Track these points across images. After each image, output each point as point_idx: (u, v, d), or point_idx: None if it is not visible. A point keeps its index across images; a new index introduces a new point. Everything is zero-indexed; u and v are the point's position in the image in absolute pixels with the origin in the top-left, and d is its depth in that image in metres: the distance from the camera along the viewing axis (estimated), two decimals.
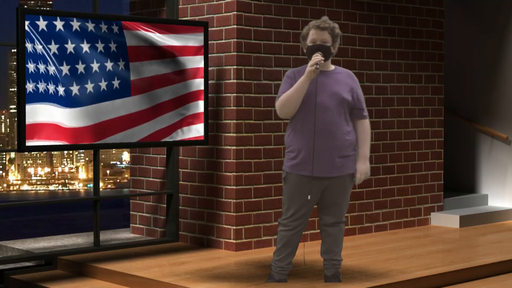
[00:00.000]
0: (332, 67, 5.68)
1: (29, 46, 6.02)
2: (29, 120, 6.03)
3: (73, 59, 6.24)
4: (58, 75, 6.17)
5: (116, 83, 6.45)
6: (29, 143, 6.03)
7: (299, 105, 5.48)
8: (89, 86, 6.32)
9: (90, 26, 6.32)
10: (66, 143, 6.21)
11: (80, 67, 6.28)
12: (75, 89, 6.24)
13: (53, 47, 6.14)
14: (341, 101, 5.53)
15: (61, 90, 6.17)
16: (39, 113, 6.07)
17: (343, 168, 5.58)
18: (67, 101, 6.20)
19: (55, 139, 6.16)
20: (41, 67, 6.08)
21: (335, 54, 5.69)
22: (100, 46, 6.36)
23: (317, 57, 5.42)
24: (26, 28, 6.01)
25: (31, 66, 6.03)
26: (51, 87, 6.13)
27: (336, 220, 5.71)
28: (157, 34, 6.68)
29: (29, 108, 6.03)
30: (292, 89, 5.45)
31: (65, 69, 6.20)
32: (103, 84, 6.38)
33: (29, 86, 6.02)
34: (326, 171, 5.53)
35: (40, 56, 6.08)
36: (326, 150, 5.51)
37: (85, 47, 6.30)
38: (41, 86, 6.08)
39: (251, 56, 7.10)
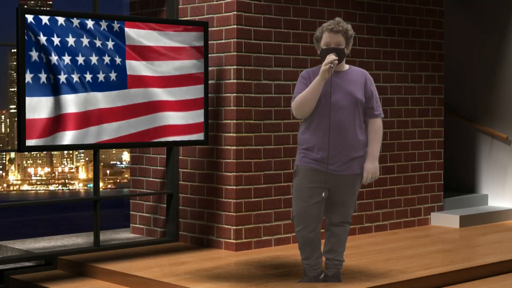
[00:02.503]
0: (346, 67, 5.71)
1: (31, 38, 6.04)
2: (30, 115, 6.05)
3: (74, 52, 6.28)
4: (59, 65, 6.20)
5: (113, 75, 6.47)
6: (29, 142, 6.04)
7: (314, 105, 5.52)
8: (88, 76, 6.34)
9: (90, 23, 6.35)
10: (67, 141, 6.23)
11: (80, 59, 6.31)
12: (75, 77, 6.27)
13: (56, 40, 6.18)
14: (355, 101, 5.57)
15: (63, 78, 6.20)
16: (40, 106, 6.10)
17: (353, 167, 5.60)
18: (66, 89, 6.23)
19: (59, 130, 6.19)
20: (43, 57, 6.11)
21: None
22: (98, 43, 6.39)
23: (331, 57, 5.46)
24: (31, 20, 6.02)
25: (34, 55, 6.05)
26: (52, 77, 6.17)
27: (343, 220, 5.73)
28: (157, 32, 6.70)
29: (29, 101, 6.05)
30: (307, 90, 5.49)
31: (67, 59, 6.24)
32: (100, 76, 6.41)
33: (28, 76, 6.04)
34: (337, 169, 5.56)
35: (42, 48, 6.10)
36: (338, 149, 5.54)
37: (85, 41, 6.33)
38: (43, 77, 6.10)
39: (251, 56, 7.10)
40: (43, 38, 6.12)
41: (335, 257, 5.78)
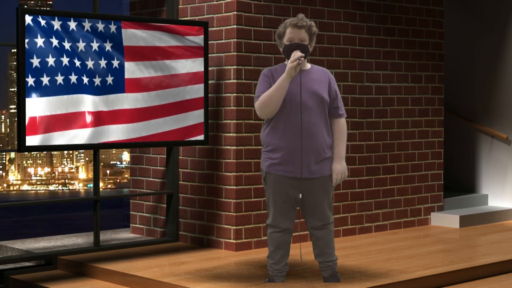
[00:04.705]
0: (309, 65, 5.61)
1: (32, 40, 6.03)
2: (31, 114, 6.05)
3: (72, 55, 6.27)
4: (59, 66, 6.20)
5: (110, 79, 6.46)
6: (30, 139, 6.04)
7: (280, 104, 5.39)
8: (85, 80, 6.34)
9: (87, 25, 6.34)
10: (65, 142, 6.23)
11: (77, 63, 6.30)
12: (73, 78, 6.27)
13: (54, 41, 6.17)
14: (321, 101, 5.48)
15: (60, 79, 6.20)
16: (40, 106, 6.10)
17: (323, 169, 5.53)
18: (66, 89, 6.22)
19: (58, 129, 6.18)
20: (49, 61, 6.11)
21: (312, 52, 5.62)
22: (95, 45, 6.38)
23: (297, 53, 5.35)
24: (30, 22, 6.02)
25: (35, 61, 6.05)
26: (59, 78, 6.17)
27: (323, 222, 5.63)
28: (156, 33, 6.69)
29: (30, 102, 6.05)
30: (273, 88, 5.35)
31: (65, 60, 6.23)
32: (97, 80, 6.41)
33: (30, 80, 6.04)
34: (306, 172, 5.49)
35: (43, 49, 6.10)
36: (306, 150, 5.46)
37: (81, 46, 6.32)
38: (45, 80, 6.10)
39: (251, 56, 7.10)
40: (41, 40, 6.12)
41: (326, 259, 5.72)
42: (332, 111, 5.58)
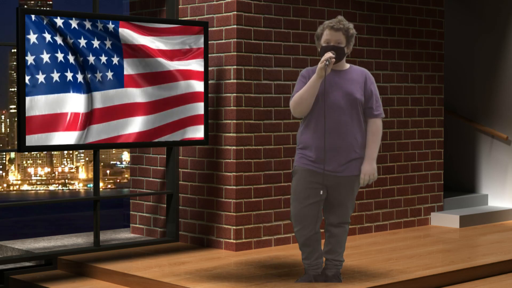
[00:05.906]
0: (347, 66, 5.68)
1: (32, 37, 6.04)
2: (30, 113, 6.06)
3: (73, 52, 6.28)
4: (63, 64, 6.21)
5: (109, 75, 6.48)
6: (30, 139, 6.04)
7: (311, 104, 5.49)
8: (87, 76, 6.35)
9: (88, 24, 6.36)
10: (67, 136, 6.23)
11: (79, 60, 6.32)
12: (80, 77, 6.27)
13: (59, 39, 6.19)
14: (354, 101, 5.54)
15: (69, 75, 6.21)
16: (39, 104, 6.11)
17: (351, 168, 5.58)
18: (62, 88, 6.24)
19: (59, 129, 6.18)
20: (45, 57, 6.10)
21: (349, 54, 5.68)
22: (96, 43, 6.39)
23: (328, 54, 5.44)
24: (33, 18, 6.02)
25: (30, 58, 6.05)
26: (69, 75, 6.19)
27: (341, 220, 5.71)
28: (152, 37, 6.70)
29: (29, 100, 6.05)
30: (304, 88, 5.47)
31: (71, 58, 6.25)
32: (98, 75, 6.42)
33: (31, 78, 6.05)
34: (335, 170, 5.54)
35: (46, 45, 6.10)
36: (335, 149, 5.52)
37: (82, 42, 6.33)
38: (41, 77, 6.10)
39: (251, 56, 7.10)
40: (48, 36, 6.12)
41: (335, 257, 5.78)
42: (367, 111, 5.62)
